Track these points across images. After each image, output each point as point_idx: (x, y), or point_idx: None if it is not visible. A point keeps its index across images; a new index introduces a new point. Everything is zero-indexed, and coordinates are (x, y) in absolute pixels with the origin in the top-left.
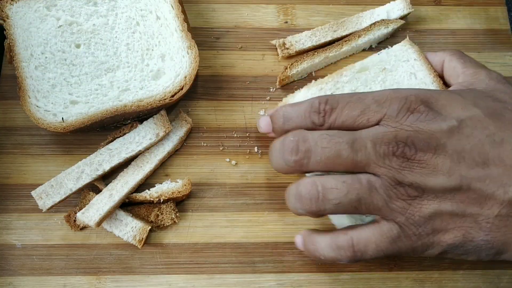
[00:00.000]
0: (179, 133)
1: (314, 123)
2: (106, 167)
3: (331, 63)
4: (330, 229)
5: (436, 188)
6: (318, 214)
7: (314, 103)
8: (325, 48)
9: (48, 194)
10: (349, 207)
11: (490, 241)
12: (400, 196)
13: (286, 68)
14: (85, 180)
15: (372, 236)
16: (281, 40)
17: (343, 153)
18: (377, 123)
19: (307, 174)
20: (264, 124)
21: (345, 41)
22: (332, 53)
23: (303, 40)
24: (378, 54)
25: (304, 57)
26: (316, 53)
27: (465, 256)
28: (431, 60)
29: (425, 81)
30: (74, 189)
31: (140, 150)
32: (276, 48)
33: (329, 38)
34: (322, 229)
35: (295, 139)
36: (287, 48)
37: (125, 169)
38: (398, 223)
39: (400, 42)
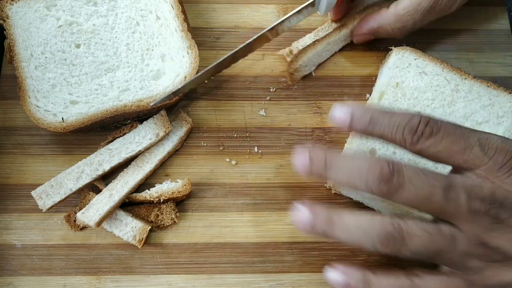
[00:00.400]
0: (179, 133)
1: (406, 141)
2: (106, 167)
3: (335, 51)
4: None
5: None
6: (389, 254)
7: (414, 120)
8: (325, 35)
9: (48, 194)
10: (426, 256)
11: None
12: (481, 257)
13: (292, 62)
14: (85, 180)
15: (435, 287)
16: (287, 49)
17: (435, 198)
18: (473, 169)
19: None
20: (341, 114)
21: (342, 25)
22: (332, 38)
23: (307, 43)
24: (380, 77)
25: (307, 48)
26: (317, 41)
27: None
28: None
29: (437, 72)
30: (74, 189)
31: (140, 150)
32: (284, 57)
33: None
34: None
35: (389, 169)
36: (295, 55)
37: (125, 169)
38: (469, 281)
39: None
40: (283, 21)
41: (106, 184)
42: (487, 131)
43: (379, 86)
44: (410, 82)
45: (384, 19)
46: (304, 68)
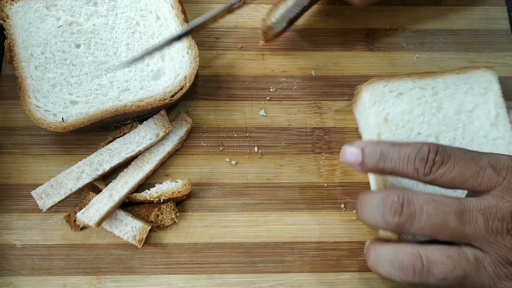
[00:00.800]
0: (179, 133)
1: (418, 172)
2: (106, 167)
3: (304, 5)
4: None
5: None
6: (416, 285)
7: (423, 150)
8: None
9: (48, 194)
10: (454, 282)
11: None
12: (510, 276)
13: (264, 20)
14: (85, 180)
15: None
16: (262, 26)
17: (451, 224)
18: (488, 190)
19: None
20: (351, 155)
21: None
22: None
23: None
24: (361, 119)
25: (277, 4)
26: None
27: None
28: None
29: (410, 86)
30: (74, 189)
31: (140, 150)
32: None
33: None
34: (328, 229)
35: (399, 200)
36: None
37: (125, 169)
38: None
39: None
40: None
41: (106, 184)
42: (482, 116)
43: (370, 130)
44: (394, 109)
45: None
46: (276, 25)
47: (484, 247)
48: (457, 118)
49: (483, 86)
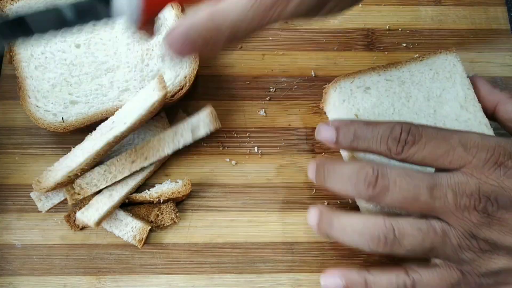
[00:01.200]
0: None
1: (391, 152)
2: None
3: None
4: None
5: (511, 247)
6: (385, 254)
7: (395, 130)
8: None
9: (47, 196)
10: (421, 253)
11: None
12: (472, 248)
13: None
14: None
15: (432, 280)
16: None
17: (422, 198)
18: (459, 168)
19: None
20: (326, 134)
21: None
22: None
23: (95, 180)
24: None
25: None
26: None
27: None
28: (484, 97)
29: (376, 79)
30: None
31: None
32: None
33: (126, 173)
34: None
35: (374, 173)
36: (78, 193)
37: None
38: (462, 271)
39: None
40: None
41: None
42: (451, 100)
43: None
44: (364, 104)
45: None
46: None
47: (451, 221)
48: (427, 104)
49: (447, 69)
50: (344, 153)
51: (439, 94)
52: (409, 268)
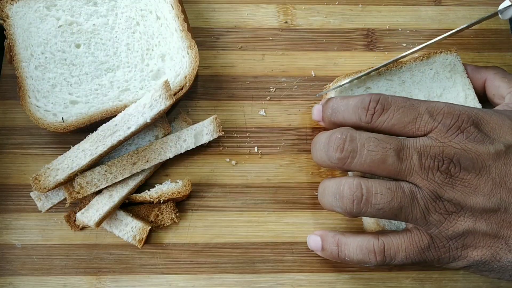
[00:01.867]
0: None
1: (361, 120)
2: None
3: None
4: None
5: (474, 207)
6: (356, 215)
7: (365, 100)
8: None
9: (47, 196)
10: (390, 213)
11: None
12: (438, 210)
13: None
14: None
15: (403, 243)
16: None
17: (389, 159)
18: (425, 134)
19: (349, 173)
20: (316, 112)
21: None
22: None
23: (96, 180)
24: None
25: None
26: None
27: (488, 273)
28: (471, 76)
29: (369, 85)
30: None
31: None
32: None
33: (127, 174)
34: (327, 229)
35: (342, 136)
36: (77, 192)
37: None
38: (430, 234)
39: None
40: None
41: None
42: (451, 99)
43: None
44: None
45: None
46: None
47: (418, 182)
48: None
49: (448, 69)
50: None
51: (440, 94)
52: (381, 233)
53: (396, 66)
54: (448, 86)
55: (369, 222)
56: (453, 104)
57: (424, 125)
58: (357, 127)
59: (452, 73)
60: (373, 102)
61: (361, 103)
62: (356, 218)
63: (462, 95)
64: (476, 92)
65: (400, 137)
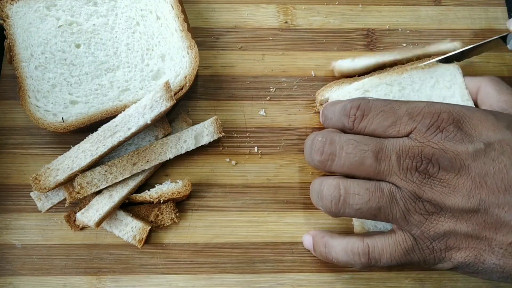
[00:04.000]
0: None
1: (345, 127)
2: None
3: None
4: (336, 230)
5: (453, 208)
6: (337, 215)
7: (346, 107)
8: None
9: (47, 196)
10: (368, 214)
11: (502, 266)
12: (418, 210)
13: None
14: None
15: (387, 245)
16: (69, 184)
17: (367, 161)
18: (406, 135)
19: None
20: (321, 117)
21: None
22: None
23: (96, 180)
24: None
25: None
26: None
27: (476, 275)
28: (468, 85)
29: (376, 82)
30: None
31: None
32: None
33: (127, 175)
34: (325, 229)
35: (322, 139)
36: (77, 192)
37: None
38: (413, 235)
39: None
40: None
41: None
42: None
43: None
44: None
45: None
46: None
47: (397, 182)
48: None
49: (448, 79)
50: None
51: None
52: (366, 235)
53: (397, 72)
54: (447, 96)
55: (355, 224)
56: (434, 102)
57: (403, 127)
58: (343, 131)
59: (452, 83)
60: (353, 108)
61: (344, 110)
62: (341, 217)
63: None
64: (474, 103)
65: (380, 140)
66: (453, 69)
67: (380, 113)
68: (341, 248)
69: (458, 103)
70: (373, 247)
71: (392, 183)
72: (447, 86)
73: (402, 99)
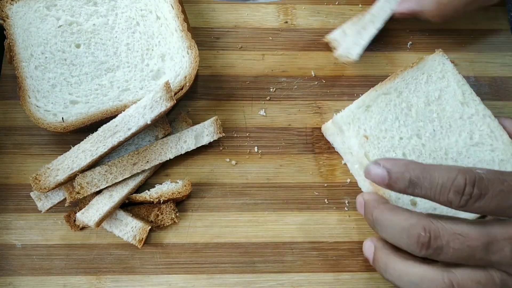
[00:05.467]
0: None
1: (451, 203)
2: None
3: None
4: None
5: None
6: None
7: (458, 181)
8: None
9: (47, 196)
10: None
11: None
12: None
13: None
14: None
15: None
16: (68, 184)
17: (477, 255)
18: None
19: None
20: (376, 176)
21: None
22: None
23: (96, 180)
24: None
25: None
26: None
27: None
28: (504, 125)
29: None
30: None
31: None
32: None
33: (127, 175)
34: (326, 231)
35: (426, 235)
36: (77, 193)
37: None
38: None
39: None
40: None
41: None
42: (450, 99)
43: (356, 152)
44: (369, 123)
45: (426, 3)
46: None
47: (510, 271)
48: (429, 109)
49: (439, 70)
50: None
51: (437, 96)
52: (445, 269)
53: (389, 79)
54: (443, 86)
55: (361, 183)
56: None
57: None
58: (443, 204)
59: (444, 72)
60: (468, 186)
61: (454, 186)
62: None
63: (459, 92)
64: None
65: (489, 229)
66: (440, 58)
67: (500, 193)
68: (411, 279)
69: (456, 90)
70: (457, 283)
71: (505, 272)
72: (439, 77)
73: (403, 104)
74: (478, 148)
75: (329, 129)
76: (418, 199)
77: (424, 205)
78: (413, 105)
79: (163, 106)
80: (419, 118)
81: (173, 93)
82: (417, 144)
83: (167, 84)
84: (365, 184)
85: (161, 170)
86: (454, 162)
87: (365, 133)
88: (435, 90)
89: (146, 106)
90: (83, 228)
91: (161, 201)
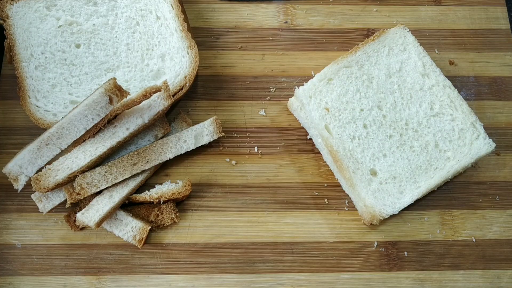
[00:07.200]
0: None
1: None
2: None
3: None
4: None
5: None
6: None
7: None
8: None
9: (47, 197)
10: None
11: None
12: None
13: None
14: None
15: None
16: (68, 186)
17: None
18: None
19: None
20: None
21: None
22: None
23: (96, 181)
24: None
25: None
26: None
27: None
28: None
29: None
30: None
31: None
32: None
33: (127, 175)
34: (325, 230)
35: None
36: (78, 193)
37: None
38: None
39: None
40: None
41: None
42: (411, 71)
43: (316, 125)
44: (331, 96)
45: None
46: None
47: None
48: (390, 81)
49: (400, 42)
50: (324, 151)
51: (399, 68)
52: None
53: (351, 52)
54: (404, 58)
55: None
56: None
57: None
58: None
59: (405, 45)
60: None
61: None
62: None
63: (419, 64)
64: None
65: None
66: (401, 31)
67: None
68: None
69: (416, 62)
70: None
71: None
72: (401, 50)
73: (365, 76)
74: (438, 118)
75: (293, 104)
76: (378, 169)
77: (384, 174)
78: (374, 77)
79: (161, 105)
80: (380, 90)
81: (171, 92)
82: (378, 115)
83: (165, 83)
84: (328, 157)
85: (161, 170)
86: (415, 132)
87: (326, 106)
88: (396, 62)
89: (144, 105)
90: (83, 228)
91: (161, 201)
